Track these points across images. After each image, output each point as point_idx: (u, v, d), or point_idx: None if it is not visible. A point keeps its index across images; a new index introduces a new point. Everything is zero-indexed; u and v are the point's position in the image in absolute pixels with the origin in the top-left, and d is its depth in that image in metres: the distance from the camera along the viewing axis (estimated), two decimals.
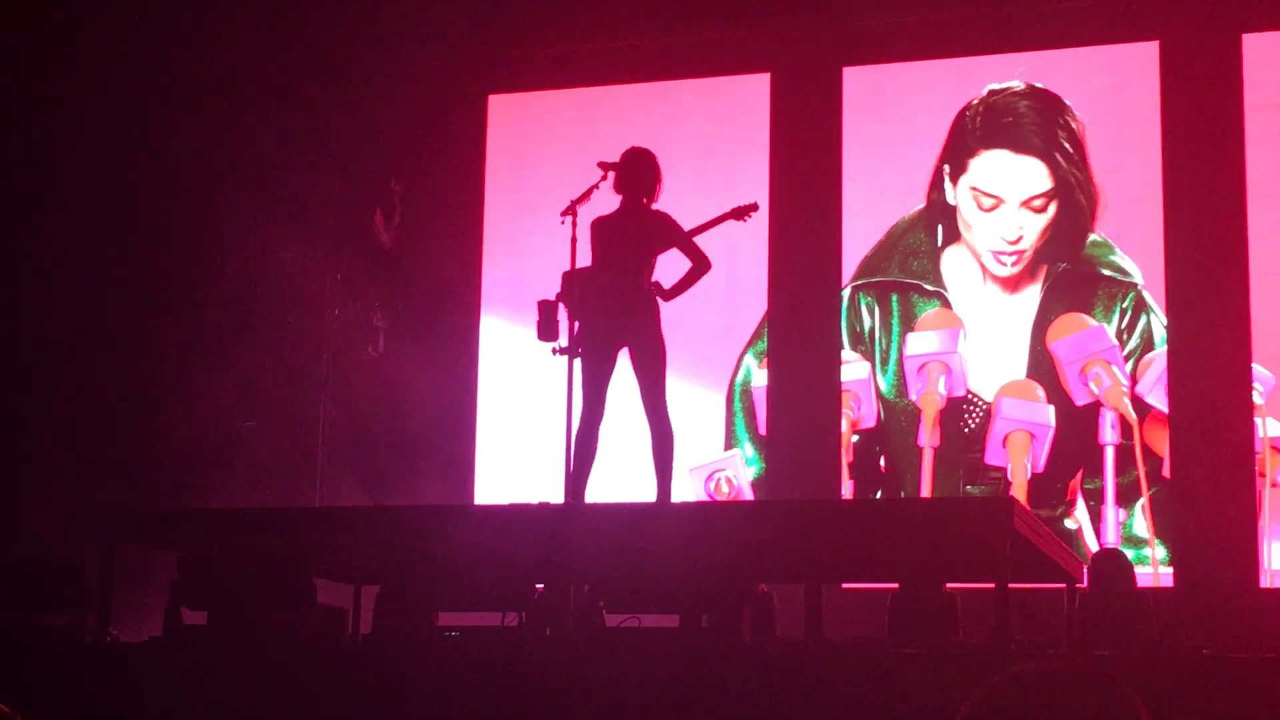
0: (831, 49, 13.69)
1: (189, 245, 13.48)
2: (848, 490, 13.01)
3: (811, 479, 12.89)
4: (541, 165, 13.94)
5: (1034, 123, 13.05)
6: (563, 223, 8.87)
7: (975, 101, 13.22)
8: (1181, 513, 12.24)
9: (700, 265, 8.54)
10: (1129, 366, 12.58)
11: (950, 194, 13.15)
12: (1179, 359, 12.45)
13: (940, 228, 13.18)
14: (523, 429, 13.56)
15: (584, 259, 8.71)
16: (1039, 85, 13.12)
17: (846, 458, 13.10)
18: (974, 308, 13.00)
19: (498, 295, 14.08)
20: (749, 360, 13.51)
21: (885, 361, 13.16)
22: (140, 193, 13.32)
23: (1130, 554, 10.96)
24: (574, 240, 8.82)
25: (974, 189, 13.07)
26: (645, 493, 8.55)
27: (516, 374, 13.64)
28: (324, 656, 7.74)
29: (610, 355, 8.44)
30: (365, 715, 7.13)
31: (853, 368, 13.20)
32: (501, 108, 14.51)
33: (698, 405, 13.22)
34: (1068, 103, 13.01)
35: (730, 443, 13.43)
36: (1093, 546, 12.10)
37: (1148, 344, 12.58)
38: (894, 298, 13.23)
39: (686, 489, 12.87)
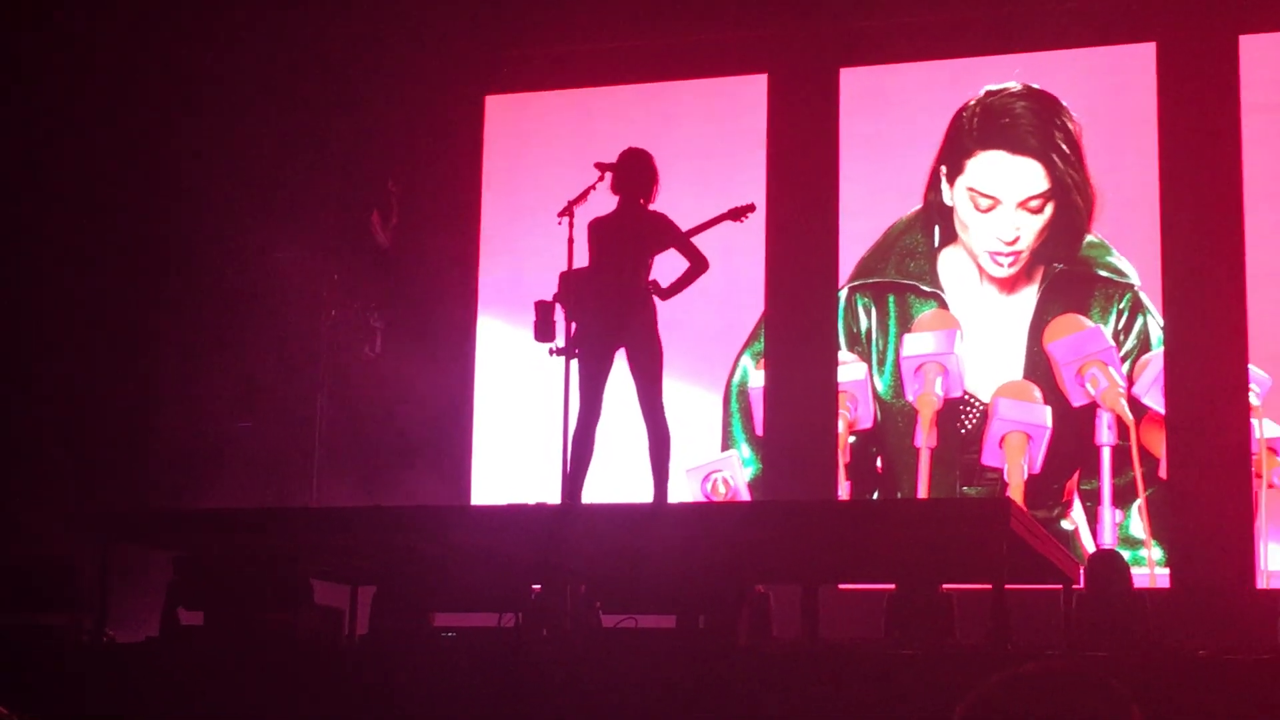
0: (829, 50, 13.69)
1: (186, 245, 13.48)
2: (844, 491, 13.01)
3: (808, 480, 12.90)
4: (539, 166, 13.94)
5: (1031, 123, 13.06)
6: (560, 223, 8.86)
7: (972, 102, 13.23)
8: (1178, 514, 12.24)
9: (698, 265, 8.55)
10: (1125, 367, 12.58)
11: (947, 195, 13.15)
12: (1176, 360, 12.45)
13: (937, 228, 13.19)
14: (520, 430, 13.56)
15: (581, 259, 8.72)
16: (1036, 86, 13.13)
17: (843, 458, 13.10)
18: (971, 309, 13.01)
19: (495, 296, 14.08)
20: (746, 361, 13.52)
21: (882, 362, 13.16)
22: (138, 193, 13.31)
23: (1127, 555, 10.97)
24: (571, 241, 8.82)
25: (971, 190, 13.07)
26: (642, 493, 8.55)
27: (513, 375, 13.64)
28: (320, 657, 7.74)
29: (607, 356, 8.44)
30: (362, 716, 7.13)
31: (850, 368, 13.21)
32: (499, 108, 14.51)
33: (695, 406, 13.23)
34: (1065, 104, 13.02)
35: (727, 443, 13.43)
36: (1089, 547, 12.10)
37: (1144, 345, 12.59)
38: (891, 298, 13.23)
39: (683, 489, 12.88)
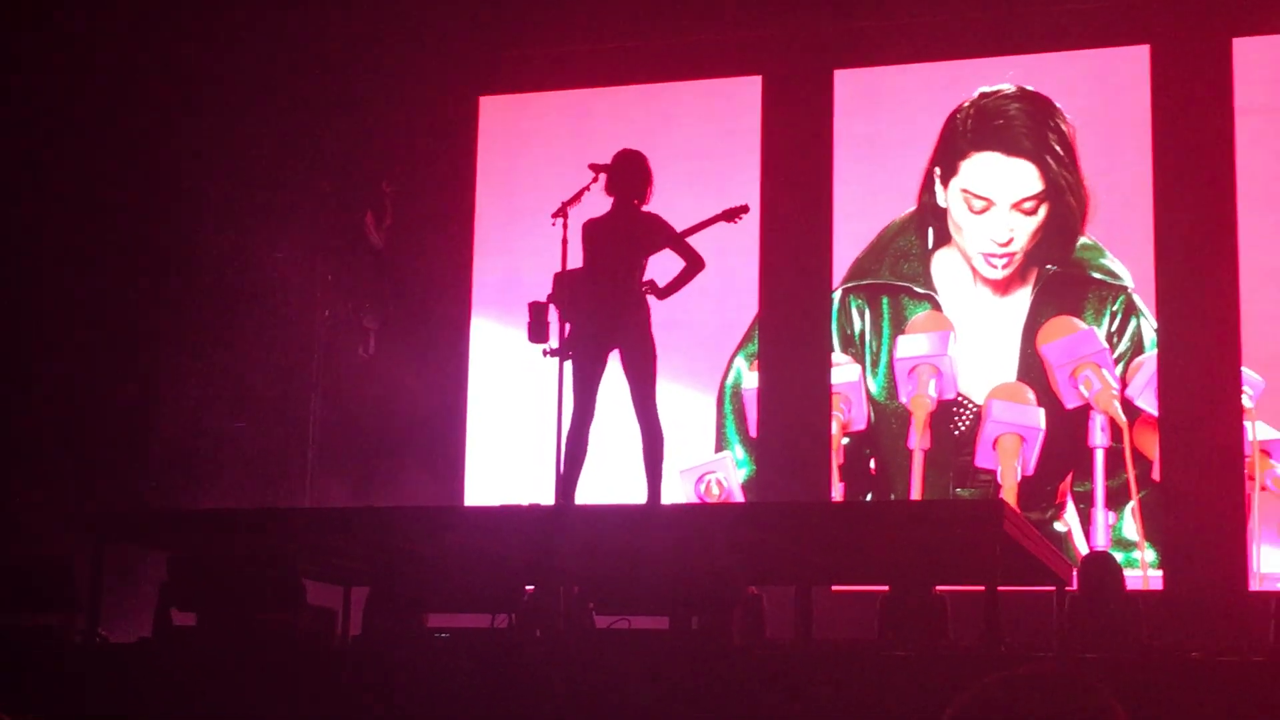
0: (823, 51, 13.70)
1: (181, 245, 13.46)
2: (838, 492, 13.02)
3: (802, 481, 12.90)
4: (533, 167, 13.94)
5: (1025, 125, 13.07)
6: (554, 224, 8.85)
7: (966, 104, 13.24)
8: (1171, 516, 12.25)
9: (694, 264, 8.55)
10: (1119, 370, 12.59)
11: (941, 196, 13.16)
12: (1169, 362, 12.46)
13: (931, 230, 13.19)
14: (513, 431, 13.55)
15: (575, 261, 8.71)
16: (1030, 88, 13.14)
17: (837, 460, 13.10)
18: (964, 310, 13.01)
19: (488, 297, 14.08)
20: (740, 362, 13.52)
21: (876, 364, 13.16)
22: (135, 192, 13.29)
23: (1120, 557, 10.96)
24: (565, 242, 8.81)
25: (965, 191, 13.08)
26: (636, 494, 8.55)
27: (507, 375, 13.64)
28: (314, 657, 7.74)
29: (601, 357, 8.44)
30: (355, 717, 7.13)
31: (843, 370, 13.21)
32: (493, 109, 14.51)
33: (688, 407, 13.23)
34: (1059, 105, 13.03)
35: (721, 445, 13.44)
36: (1082, 549, 12.11)
37: (1138, 347, 12.60)
38: (885, 300, 13.24)
39: (677, 491, 12.87)
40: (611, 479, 9.55)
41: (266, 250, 13.34)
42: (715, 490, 13.31)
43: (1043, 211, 12.91)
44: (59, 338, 12.84)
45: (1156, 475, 12.38)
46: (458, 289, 14.17)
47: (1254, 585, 11.97)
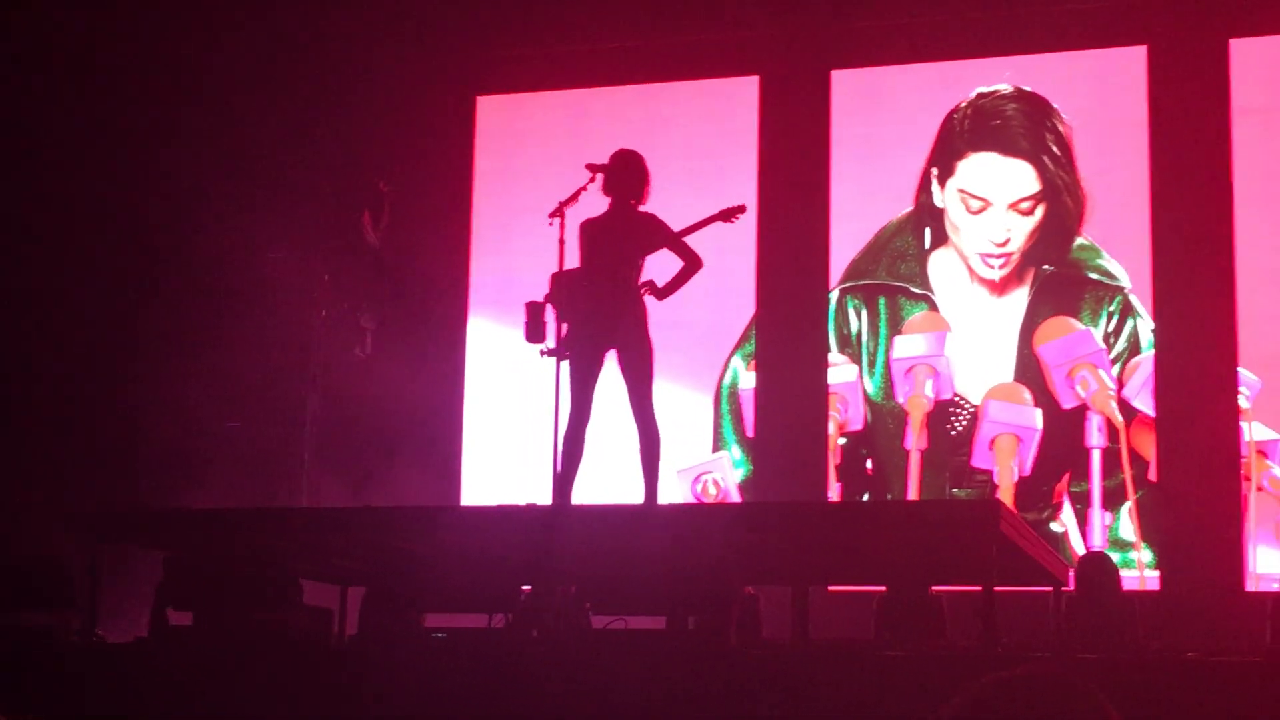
0: (820, 51, 13.70)
1: (177, 244, 13.45)
2: (835, 493, 13.02)
3: (798, 481, 12.90)
4: (530, 167, 13.94)
5: (1022, 125, 13.08)
6: (551, 224, 8.85)
7: (963, 104, 13.24)
8: (1167, 516, 12.26)
9: (691, 264, 8.54)
10: (1116, 370, 12.60)
11: (938, 196, 13.16)
12: (1165, 363, 12.47)
13: (928, 230, 13.19)
14: (510, 430, 13.55)
15: (572, 261, 8.71)
16: (1027, 88, 13.14)
17: (833, 460, 13.11)
18: (961, 311, 13.02)
19: (485, 296, 14.08)
20: (736, 362, 13.52)
21: (873, 364, 13.17)
22: (129, 192, 13.28)
23: (1116, 557, 10.98)
24: (562, 242, 8.81)
25: (962, 191, 13.08)
26: (632, 494, 8.55)
27: (504, 375, 13.64)
28: (310, 657, 7.73)
29: (598, 357, 8.43)
30: (352, 716, 7.13)
31: (840, 370, 13.21)
32: (490, 109, 14.51)
33: (685, 407, 13.23)
34: (1055, 106, 13.04)
35: (718, 445, 13.44)
36: (1079, 550, 12.11)
37: (1134, 348, 12.60)
38: (882, 300, 13.24)
39: (674, 491, 12.87)
40: (608, 479, 9.55)
41: (263, 250, 13.33)
42: (712, 490, 13.31)
43: (1040, 212, 12.91)
44: (54, 337, 12.83)
45: (1153, 476, 12.38)
46: (455, 289, 14.17)
47: (1250, 586, 11.97)
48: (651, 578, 7.56)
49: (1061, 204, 12.88)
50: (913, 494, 12.79)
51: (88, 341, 13.02)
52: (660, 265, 8.57)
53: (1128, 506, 12.39)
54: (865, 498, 13.00)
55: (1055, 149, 12.94)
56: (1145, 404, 12.49)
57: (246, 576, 8.00)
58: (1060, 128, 12.97)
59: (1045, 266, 12.87)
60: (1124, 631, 8.82)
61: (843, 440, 13.14)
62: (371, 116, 13.99)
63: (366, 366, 13.59)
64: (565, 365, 8.58)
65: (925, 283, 13.13)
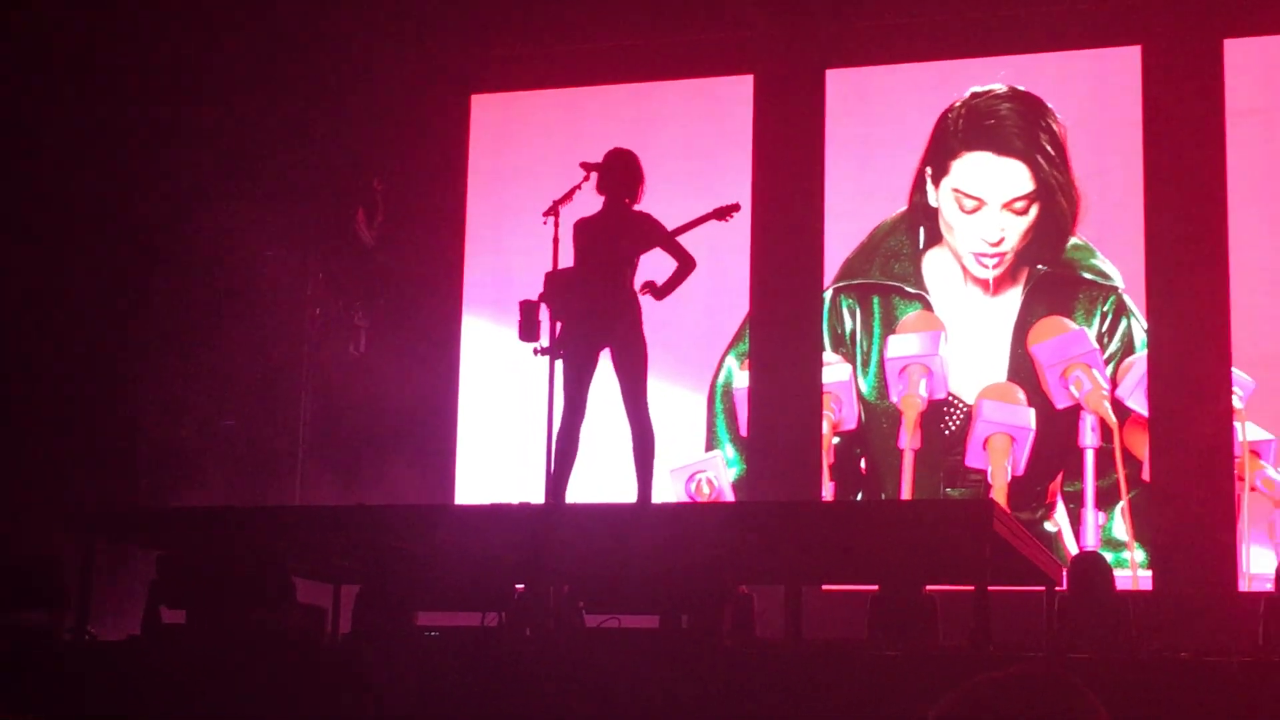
0: (815, 51, 13.71)
1: (174, 244, 13.45)
2: (828, 492, 13.02)
3: (792, 480, 12.90)
4: (524, 165, 13.94)
5: (1016, 125, 13.08)
6: (545, 223, 8.85)
7: (957, 104, 13.25)
8: (1160, 516, 12.27)
9: (685, 265, 8.54)
10: (1109, 370, 12.61)
11: (932, 196, 13.17)
12: (1159, 363, 12.48)
13: (922, 230, 13.20)
14: (504, 429, 13.55)
15: (566, 259, 8.71)
16: (1021, 88, 13.15)
17: (827, 459, 13.11)
18: (955, 310, 13.02)
19: (479, 295, 14.07)
20: (730, 361, 13.52)
21: (866, 363, 13.17)
22: (123, 190, 13.27)
23: (1109, 557, 10.99)
24: (556, 241, 8.81)
25: (956, 191, 13.09)
26: (626, 493, 8.55)
27: (498, 374, 13.64)
28: (304, 656, 7.73)
29: (592, 356, 8.43)
30: (345, 715, 7.12)
31: (834, 369, 13.22)
32: (484, 108, 14.51)
33: (679, 406, 13.23)
34: (1050, 105, 13.04)
35: (711, 444, 13.44)
36: (1072, 549, 12.12)
37: (1128, 348, 12.61)
38: (875, 300, 13.24)
39: (667, 490, 12.88)
40: (602, 478, 9.55)
41: (257, 248, 13.32)
42: (706, 489, 13.31)
43: (1034, 211, 12.92)
44: (51, 336, 12.81)
45: (1146, 475, 12.39)
46: (449, 287, 14.16)
47: (1243, 585, 11.98)
48: (645, 577, 7.56)
49: (1056, 204, 12.89)
50: (906, 493, 12.80)
51: (84, 340, 13.01)
52: (652, 265, 8.57)
53: (1121, 506, 12.40)
54: (859, 497, 13.01)
55: (1049, 149, 12.95)
56: (1139, 404, 12.50)
57: (240, 574, 7.99)
58: (1055, 127, 12.98)
59: (1039, 266, 12.88)
60: (1117, 631, 8.83)
61: (836, 439, 13.15)
62: (367, 115, 13.99)
63: (360, 364, 13.59)
64: (559, 364, 8.58)
65: (919, 282, 13.14)
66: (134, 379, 13.31)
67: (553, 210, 8.82)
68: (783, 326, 13.41)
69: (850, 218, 13.41)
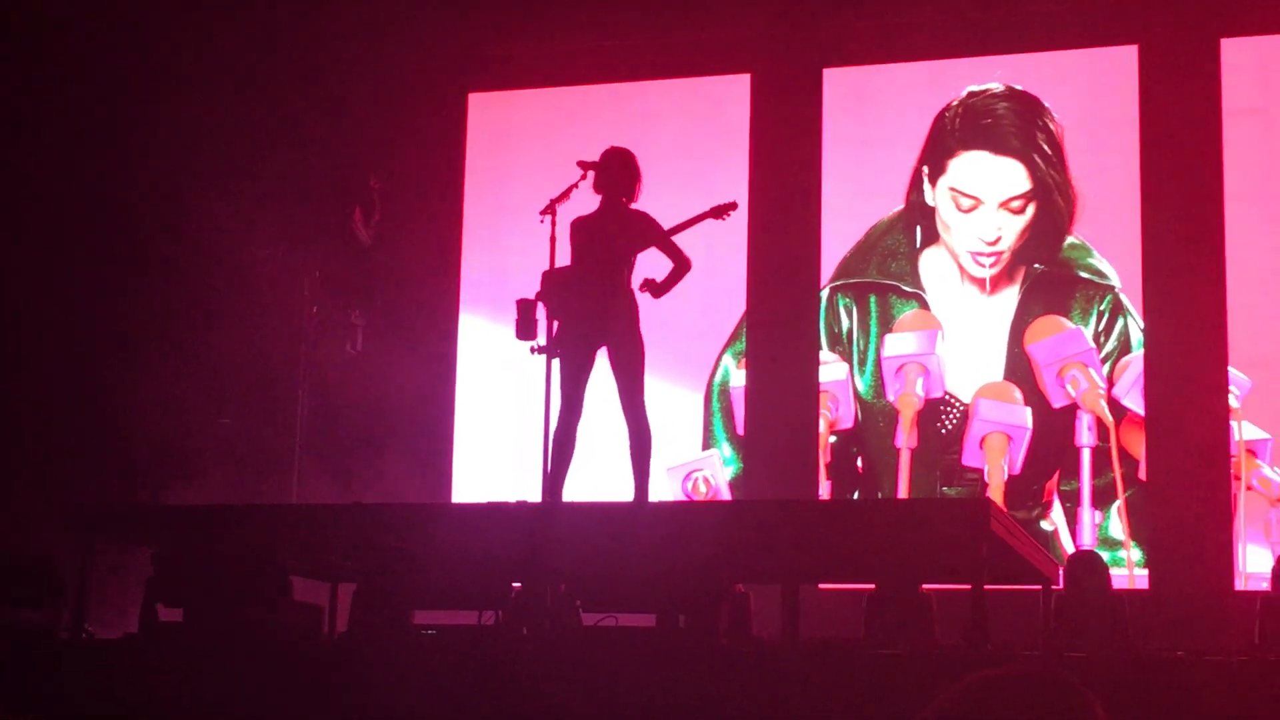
0: (812, 50, 13.71)
1: (167, 242, 13.44)
2: (825, 491, 13.03)
3: (789, 479, 12.90)
4: (521, 164, 13.94)
5: (1013, 124, 13.09)
6: (542, 222, 8.84)
7: (954, 103, 13.25)
8: (1157, 515, 12.28)
9: (681, 265, 8.55)
10: (1106, 369, 12.61)
11: (929, 195, 13.18)
12: (1155, 362, 12.49)
13: (919, 229, 13.21)
14: (501, 428, 13.55)
15: (563, 258, 8.71)
16: (1018, 87, 13.16)
17: (824, 458, 13.11)
18: (952, 309, 13.03)
19: (476, 294, 14.07)
20: (727, 360, 13.53)
21: (863, 362, 13.18)
22: (119, 189, 13.26)
23: (1106, 556, 10.99)
24: (553, 239, 8.81)
25: (953, 190, 13.09)
26: (623, 492, 8.55)
27: (495, 373, 13.64)
28: (300, 654, 7.73)
29: (589, 354, 8.44)
30: (341, 713, 7.13)
31: (831, 368, 13.22)
32: (481, 106, 14.50)
33: (676, 405, 13.23)
34: (1047, 105, 13.05)
35: (708, 442, 13.44)
36: (1068, 548, 12.13)
37: (1125, 347, 12.62)
38: (872, 299, 13.25)
39: (664, 488, 12.88)
40: (599, 476, 9.55)
41: (253, 247, 13.31)
42: (702, 488, 13.32)
43: (1030, 210, 12.93)
44: (48, 335, 12.81)
45: (1143, 474, 12.40)
46: (446, 286, 14.16)
47: (1239, 584, 11.99)
48: (642, 575, 7.56)
49: (1052, 203, 12.90)
50: (903, 492, 12.80)
51: (81, 339, 13.00)
52: (648, 264, 8.57)
53: (1117, 505, 12.41)
54: (856, 496, 13.01)
55: (1046, 148, 12.96)
56: (1135, 403, 12.50)
57: (236, 573, 7.99)
58: (1051, 126, 12.99)
59: (1036, 265, 12.89)
60: (1113, 630, 8.83)
61: (833, 438, 13.15)
62: (363, 113, 13.98)
63: (357, 363, 13.58)
64: (556, 363, 8.58)
65: (916, 281, 13.14)
66: (131, 378, 13.29)
67: (550, 209, 8.81)
68: (780, 325, 13.41)
69: (847, 216, 13.41)
